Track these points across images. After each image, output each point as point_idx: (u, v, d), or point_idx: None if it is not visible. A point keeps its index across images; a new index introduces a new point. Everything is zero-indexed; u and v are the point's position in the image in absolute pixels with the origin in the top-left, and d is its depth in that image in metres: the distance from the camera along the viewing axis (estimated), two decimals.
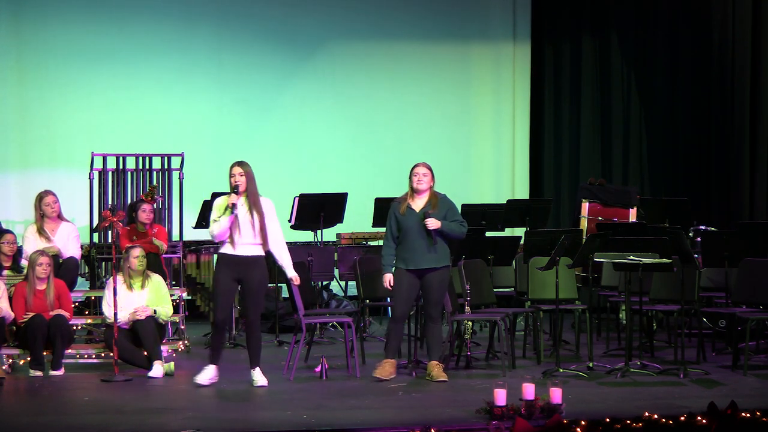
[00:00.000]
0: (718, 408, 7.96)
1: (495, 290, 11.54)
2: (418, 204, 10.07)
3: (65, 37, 15.08)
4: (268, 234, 9.81)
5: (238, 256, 9.77)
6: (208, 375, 9.87)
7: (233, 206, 9.72)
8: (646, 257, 10.18)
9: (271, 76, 15.75)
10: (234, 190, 9.76)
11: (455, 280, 10.71)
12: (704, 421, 7.84)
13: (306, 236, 14.07)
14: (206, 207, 12.42)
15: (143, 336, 10.48)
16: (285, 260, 9.96)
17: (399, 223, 10.06)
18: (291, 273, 10.01)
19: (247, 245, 9.78)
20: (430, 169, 10.14)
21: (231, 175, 9.82)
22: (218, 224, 9.75)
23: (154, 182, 12.99)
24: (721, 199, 15.44)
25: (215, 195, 11.10)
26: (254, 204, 9.78)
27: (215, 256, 10.09)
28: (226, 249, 9.81)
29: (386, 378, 9.94)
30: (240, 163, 9.87)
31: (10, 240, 11.25)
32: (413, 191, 10.09)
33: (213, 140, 15.33)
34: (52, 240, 11.35)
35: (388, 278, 10.09)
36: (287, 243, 13.68)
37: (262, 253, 9.85)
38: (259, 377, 9.86)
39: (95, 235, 12.87)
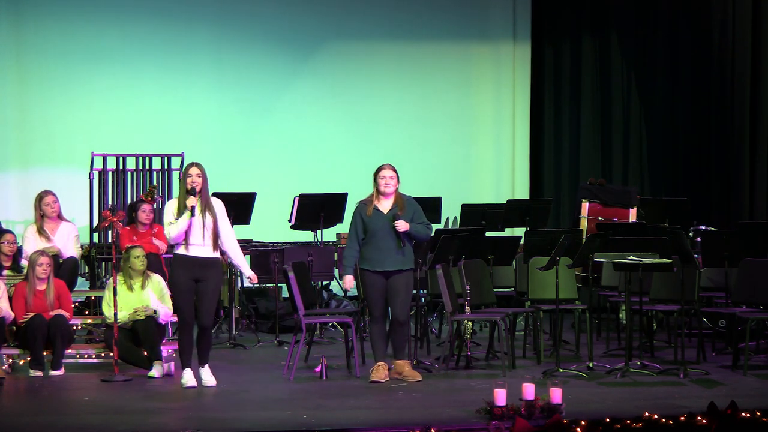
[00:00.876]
0: (718, 408, 7.96)
1: (495, 290, 11.53)
2: (385, 206, 10.07)
3: (65, 37, 15.08)
4: (220, 234, 9.78)
5: (194, 257, 9.72)
6: (190, 377, 9.84)
7: (193, 209, 9.68)
8: (646, 257, 10.18)
9: (271, 76, 15.75)
10: (191, 192, 9.72)
11: (455, 280, 10.71)
12: (704, 421, 7.85)
13: (306, 236, 14.07)
14: None
15: (143, 336, 10.48)
16: (240, 259, 9.93)
17: (365, 224, 10.06)
18: (248, 272, 9.97)
19: (199, 246, 9.72)
20: (396, 171, 10.13)
21: (188, 176, 9.75)
22: (176, 227, 9.66)
23: (154, 182, 13.00)
24: (721, 199, 15.43)
25: (214, 195, 11.08)
26: (207, 206, 9.75)
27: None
28: (180, 250, 9.76)
29: (383, 380, 9.94)
30: (197, 164, 9.83)
31: (10, 240, 11.24)
32: (379, 193, 10.08)
33: (213, 140, 15.32)
34: (52, 240, 11.35)
35: (349, 279, 10.06)
36: (288, 243, 13.87)
37: (217, 255, 9.82)
38: (208, 377, 9.81)
39: (95, 235, 12.88)
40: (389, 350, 10.17)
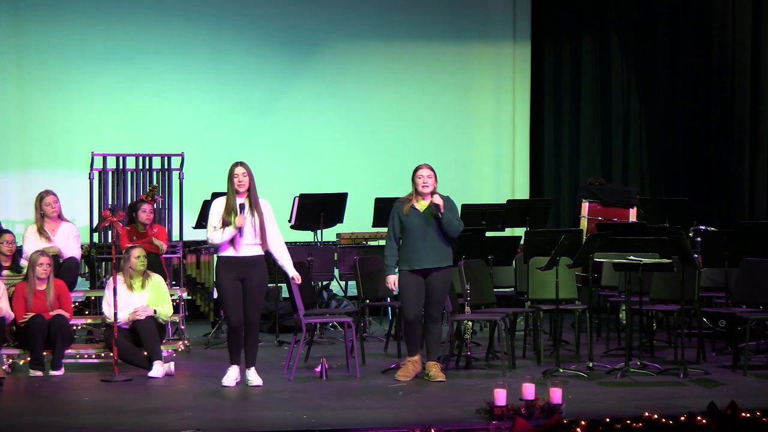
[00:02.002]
0: (718, 408, 7.97)
1: (495, 290, 11.53)
2: (422, 205, 10.05)
3: (65, 37, 15.08)
4: (267, 234, 9.80)
5: (241, 257, 9.74)
6: (233, 376, 9.85)
7: (241, 229, 9.67)
8: (646, 257, 10.18)
9: (271, 77, 15.76)
10: (241, 207, 9.68)
11: (455, 280, 10.71)
12: (704, 421, 7.85)
13: (306, 236, 14.07)
14: (206, 207, 12.41)
15: (143, 336, 10.48)
16: (286, 260, 9.96)
17: (402, 224, 10.04)
18: (292, 272, 9.99)
19: (248, 246, 9.75)
20: (433, 170, 10.11)
21: (234, 175, 9.74)
22: (220, 236, 9.67)
23: (154, 182, 12.99)
24: (721, 199, 15.44)
25: (215, 195, 11.09)
26: (255, 204, 9.76)
27: (215, 258, 10.02)
28: (228, 252, 9.74)
29: (407, 379, 9.94)
30: (243, 164, 9.83)
31: (10, 240, 11.25)
32: (417, 193, 10.06)
33: (213, 140, 15.33)
34: (53, 240, 11.35)
35: (393, 279, 10.04)
36: (287, 243, 13.83)
37: (262, 253, 9.84)
38: (254, 377, 9.86)
39: (95, 235, 12.87)
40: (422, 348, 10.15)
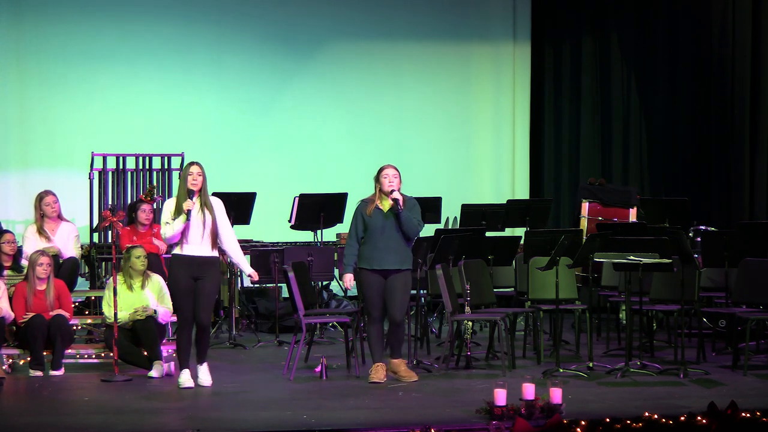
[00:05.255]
0: (718, 408, 7.97)
1: (495, 290, 11.53)
2: (386, 205, 10.06)
3: (65, 37, 15.08)
4: (220, 233, 9.77)
5: (192, 256, 9.69)
6: (187, 377, 9.80)
7: (189, 212, 9.64)
8: (646, 257, 10.18)
9: (271, 76, 15.76)
10: (190, 194, 9.68)
11: (455, 280, 10.71)
12: (704, 421, 7.85)
13: (306, 236, 14.07)
14: None
15: (143, 336, 10.48)
16: (239, 257, 9.96)
17: (365, 224, 10.05)
18: (248, 269, 10.00)
19: (198, 245, 9.72)
20: (398, 170, 10.12)
21: (189, 174, 9.72)
22: (171, 228, 9.65)
23: (154, 182, 13.00)
24: (721, 199, 15.43)
25: (214, 195, 11.09)
26: (206, 204, 9.75)
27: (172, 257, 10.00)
28: (179, 250, 9.72)
29: (382, 381, 9.94)
30: (197, 163, 9.80)
31: (10, 239, 11.24)
32: (382, 193, 10.07)
33: (213, 140, 15.33)
34: (52, 240, 11.35)
35: (349, 278, 10.06)
36: (288, 243, 13.86)
37: (216, 254, 9.81)
38: (205, 376, 9.81)
39: (95, 235, 12.88)
40: (386, 350, 10.17)
